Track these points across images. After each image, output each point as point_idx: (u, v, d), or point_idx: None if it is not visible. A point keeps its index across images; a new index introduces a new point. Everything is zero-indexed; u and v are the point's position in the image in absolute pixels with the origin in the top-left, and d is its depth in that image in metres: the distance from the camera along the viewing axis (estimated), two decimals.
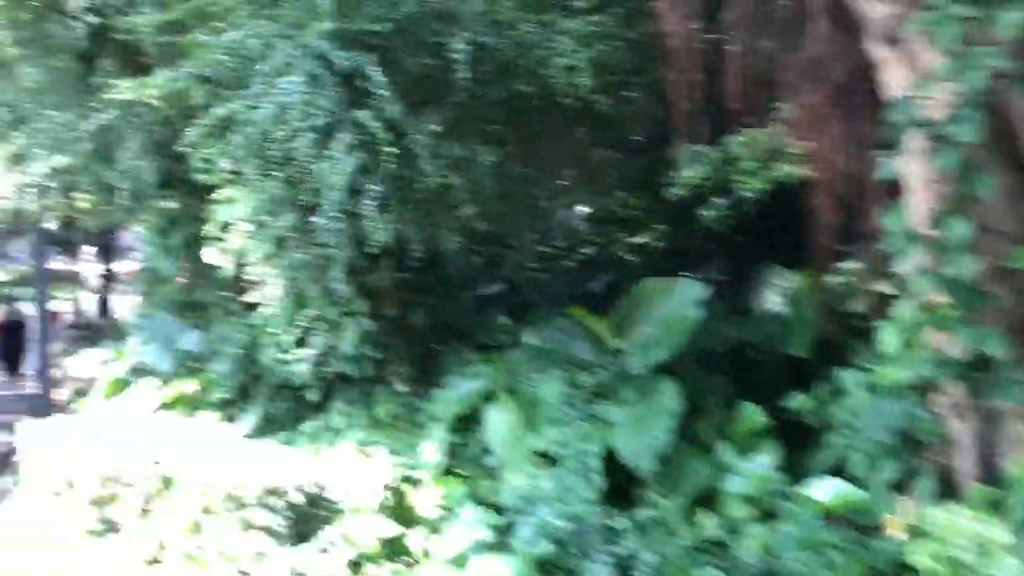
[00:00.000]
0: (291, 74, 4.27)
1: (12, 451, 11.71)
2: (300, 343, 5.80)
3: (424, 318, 5.80)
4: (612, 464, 4.47)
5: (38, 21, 6.09)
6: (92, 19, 6.06)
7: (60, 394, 15.16)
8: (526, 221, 6.06)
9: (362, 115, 4.08)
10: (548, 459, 4.58)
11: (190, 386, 7.08)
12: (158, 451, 5.68)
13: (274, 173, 4.39)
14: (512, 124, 5.09)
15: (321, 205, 4.27)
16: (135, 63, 5.95)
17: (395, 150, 4.07)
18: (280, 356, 6.01)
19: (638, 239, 9.19)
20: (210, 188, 5.33)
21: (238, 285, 6.69)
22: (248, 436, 6.61)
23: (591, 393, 4.67)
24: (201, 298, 7.06)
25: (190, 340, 7.57)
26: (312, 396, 6.32)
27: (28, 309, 17.90)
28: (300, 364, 5.87)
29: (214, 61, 4.61)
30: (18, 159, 6.70)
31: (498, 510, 4.48)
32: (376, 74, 4.08)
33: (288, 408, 6.73)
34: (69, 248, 30.15)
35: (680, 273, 7.55)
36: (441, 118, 4.50)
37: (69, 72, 6.29)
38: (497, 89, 4.76)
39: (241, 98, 4.44)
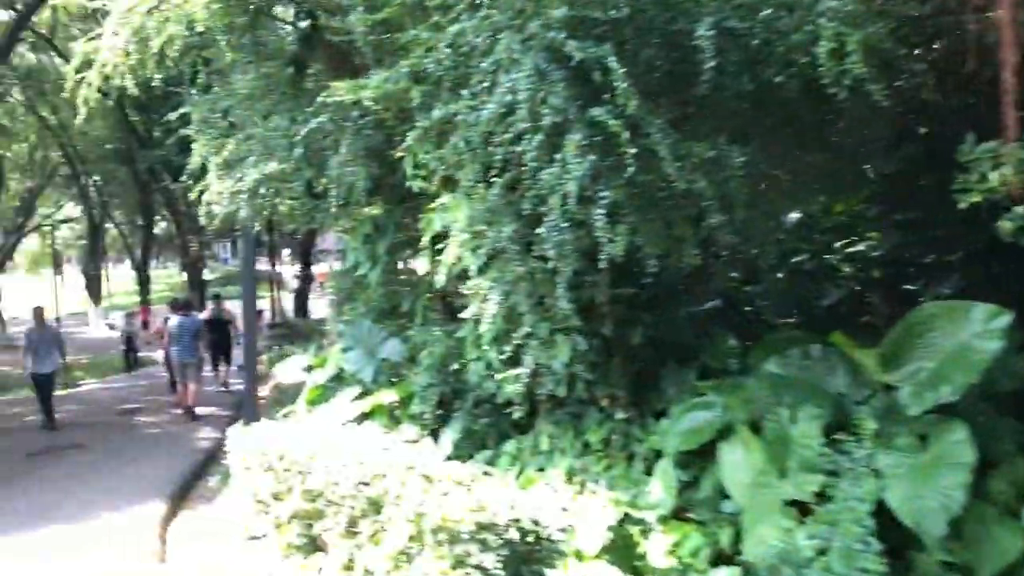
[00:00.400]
0: (517, 69, 3.86)
1: (219, 447, 12.32)
2: (509, 360, 5.40)
3: (642, 336, 5.25)
4: (881, 522, 3.75)
5: (252, 26, 6.09)
6: (304, 22, 6.01)
7: (262, 391, 15.96)
8: (768, 229, 5.40)
9: (598, 113, 3.60)
10: (803, 510, 3.92)
11: (390, 396, 6.90)
12: (363, 468, 5.49)
13: (495, 179, 4.01)
14: (758, 119, 4.46)
15: (546, 214, 3.83)
16: (348, 65, 5.82)
17: (633, 151, 3.56)
18: (486, 372, 5.67)
19: (862, 247, 8.24)
20: (421, 195, 5.09)
21: (443, 295, 6.44)
22: (448, 453, 6.36)
23: (855, 435, 3.95)
24: (404, 306, 6.88)
25: (391, 349, 7.43)
26: (517, 415, 5.95)
27: (234, 308, 19.04)
28: (507, 381, 5.48)
29: (433, 59, 4.29)
30: (231, 165, 6.75)
31: (746, 569, 3.87)
32: (615, 66, 3.58)
33: (490, 425, 6.41)
34: (269, 249, 32.14)
35: (923, 289, 6.60)
36: (681, 114, 3.95)
37: (281, 78, 6.27)
38: (744, 80, 4.15)
39: (461, 98, 4.10)
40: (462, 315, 5.32)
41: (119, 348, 22.40)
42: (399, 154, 4.68)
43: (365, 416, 7.08)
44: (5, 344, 32.47)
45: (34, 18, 25.22)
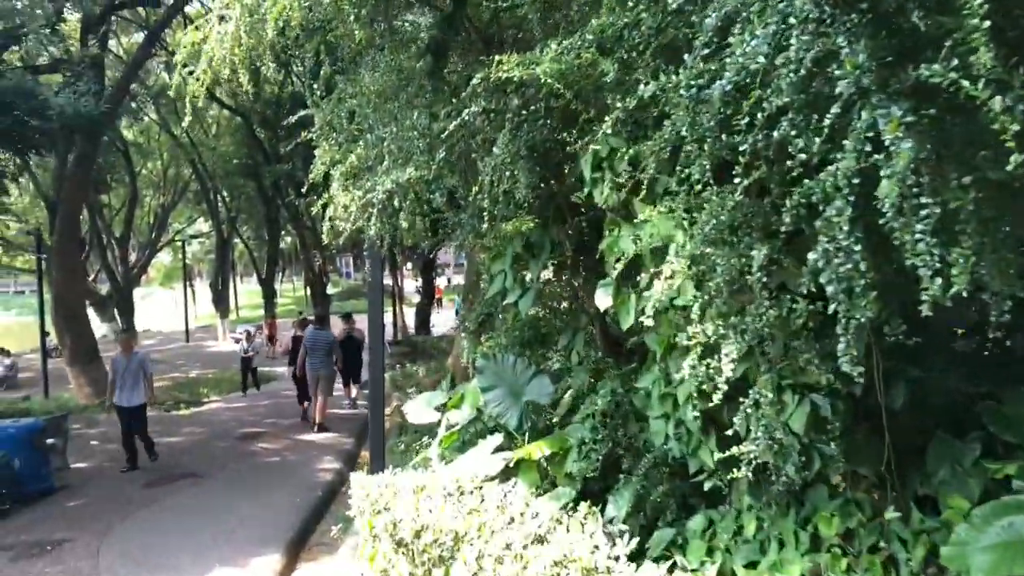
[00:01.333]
0: (773, 16, 2.60)
1: (341, 481, 11.47)
2: (711, 418, 4.10)
3: (904, 395, 3.84)
4: None
5: (387, 9, 5.05)
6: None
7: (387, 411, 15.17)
8: None
9: (933, 72, 2.28)
10: None
11: (541, 449, 5.68)
12: (505, 535, 4.32)
13: (736, 182, 2.75)
14: None
15: (822, 231, 2.54)
16: (498, 52, 4.69)
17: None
18: (676, 432, 4.38)
19: None
20: (588, 209, 3.91)
21: (608, 330, 5.23)
22: (615, 524, 5.09)
23: None
24: (560, 342, 5.68)
25: (541, 390, 6.22)
26: (711, 485, 4.63)
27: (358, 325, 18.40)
28: (706, 444, 4.17)
29: (632, 17, 3.07)
30: (358, 175, 5.72)
31: None
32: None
33: (670, 493, 5.10)
34: (391, 263, 31.85)
35: None
36: None
37: (418, 69, 5.19)
38: None
39: (668, 70, 2.87)
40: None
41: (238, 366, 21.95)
42: (578, 151, 3.51)
43: (510, 471, 5.89)
44: None
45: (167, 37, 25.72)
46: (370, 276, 7.16)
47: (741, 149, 2.70)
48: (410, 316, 33.21)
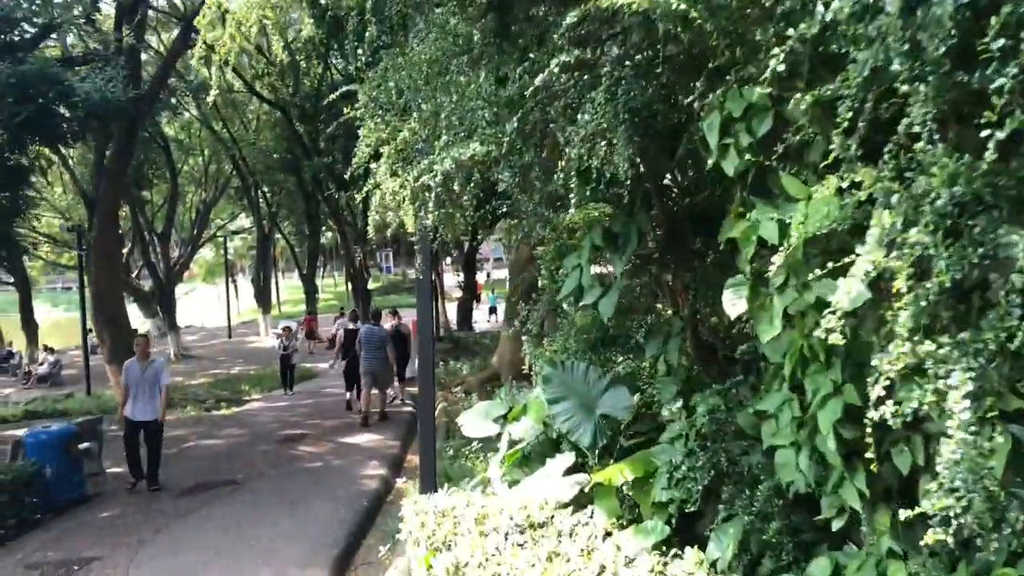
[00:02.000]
0: None
1: (387, 489, 10.78)
2: (855, 449, 3.26)
3: None
4: None
5: None
6: None
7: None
8: None
9: None
10: None
11: (622, 473, 4.88)
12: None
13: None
14: None
15: None
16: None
17: None
18: (808, 464, 3.54)
19: None
20: (692, 192, 3.07)
21: (699, 335, 4.41)
22: (719, 566, 4.28)
23: None
24: (649, 352, 4.85)
25: (617, 402, 5.41)
26: (837, 522, 3.79)
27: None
28: (851, 481, 3.34)
29: None
30: (409, 158, 4.96)
31: None
32: None
33: (786, 532, 4.26)
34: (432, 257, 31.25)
35: None
36: None
37: (481, 28, 4.39)
38: None
39: None
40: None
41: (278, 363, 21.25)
42: (702, 110, 2.70)
43: (584, 499, 5.11)
44: (182, 353, 33.20)
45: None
46: (418, 271, 6.38)
47: (996, 86, 1.87)
48: (450, 312, 32.49)
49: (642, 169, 3.84)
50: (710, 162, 2.91)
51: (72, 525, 8.94)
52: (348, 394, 15.91)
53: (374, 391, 14.56)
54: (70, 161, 32.05)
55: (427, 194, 4.22)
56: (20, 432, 10.97)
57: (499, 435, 6.19)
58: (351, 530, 8.47)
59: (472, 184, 4.14)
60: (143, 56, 23.18)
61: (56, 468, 9.75)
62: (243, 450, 12.64)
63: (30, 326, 31.20)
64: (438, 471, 10.36)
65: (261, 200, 39.07)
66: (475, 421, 6.41)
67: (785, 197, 2.78)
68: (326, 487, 10.15)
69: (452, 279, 41.26)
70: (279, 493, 9.90)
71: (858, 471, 3.28)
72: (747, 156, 2.79)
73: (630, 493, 4.96)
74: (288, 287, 71.38)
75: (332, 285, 68.32)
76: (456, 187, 4.08)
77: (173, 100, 28.68)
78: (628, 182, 3.63)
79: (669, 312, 5.00)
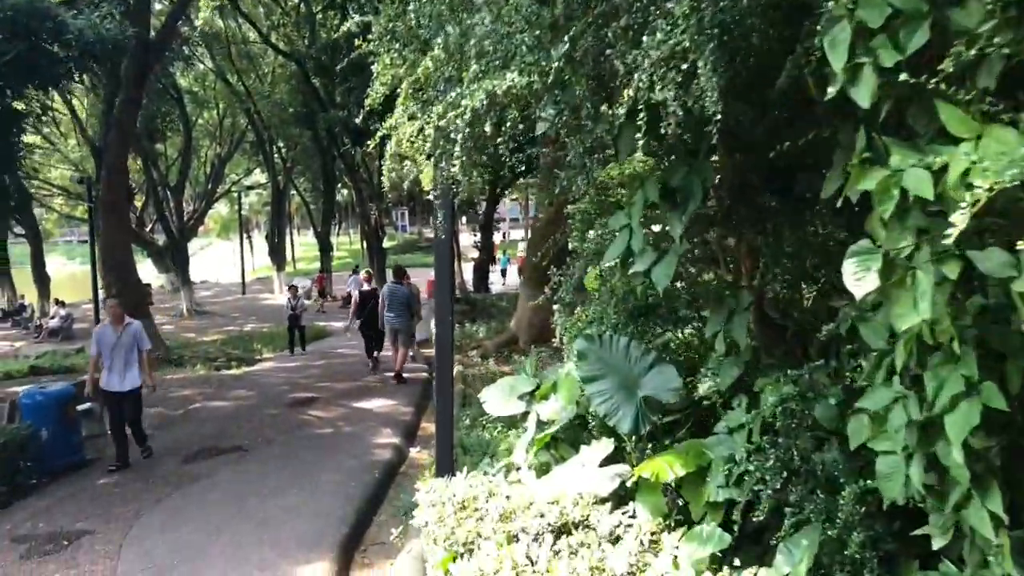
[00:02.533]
0: None
1: (399, 460, 10.22)
2: (988, 465, 2.60)
3: None
4: None
5: None
6: None
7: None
8: None
9: None
10: None
11: (671, 467, 4.22)
12: None
13: None
14: None
15: None
16: None
17: None
18: (924, 475, 2.87)
19: None
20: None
21: (764, 314, 3.73)
22: None
23: None
24: (710, 329, 4.15)
25: (663, 383, 4.75)
26: (940, 540, 3.13)
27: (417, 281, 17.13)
28: (983, 501, 2.67)
29: None
30: (428, 101, 4.27)
31: None
32: None
33: (869, 545, 3.60)
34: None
35: None
36: None
37: None
38: None
39: None
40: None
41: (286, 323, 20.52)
42: (822, 24, 2.01)
43: (626, 494, 4.47)
44: (195, 309, 32.84)
45: None
46: (437, 229, 5.70)
47: None
48: (466, 273, 31.81)
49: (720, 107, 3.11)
50: (831, 91, 2.20)
51: (67, 493, 8.45)
52: (370, 354, 15.76)
53: (401, 350, 14.50)
54: (81, 113, 31.44)
55: (451, 137, 3.53)
56: (22, 389, 10.49)
57: (525, 414, 5.54)
58: (361, 506, 7.91)
59: (508, 124, 3.42)
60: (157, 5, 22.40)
61: (53, 431, 9.25)
62: (251, 414, 12.13)
63: (42, 279, 30.86)
64: (454, 441, 9.81)
65: (276, 155, 38.37)
66: (498, 397, 5.76)
67: (933, 138, 2.09)
68: (336, 456, 9.60)
69: (467, 239, 40.55)
70: (287, 462, 9.36)
71: (991, 490, 2.60)
72: (885, 80, 2.08)
73: (677, 488, 4.33)
74: (303, 244, 71.01)
75: (347, 243, 67.83)
76: (488, 128, 3.37)
77: (186, 50, 27.92)
78: (704, 124, 2.94)
79: (724, 281, 4.30)
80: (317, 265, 41.73)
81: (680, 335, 6.03)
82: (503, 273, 38.16)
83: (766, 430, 3.81)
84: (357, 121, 21.52)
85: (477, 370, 14.70)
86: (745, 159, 3.72)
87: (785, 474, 3.64)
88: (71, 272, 58.32)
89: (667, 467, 4.17)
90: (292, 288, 19.59)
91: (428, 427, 11.56)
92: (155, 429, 11.39)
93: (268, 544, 6.77)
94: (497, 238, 49.33)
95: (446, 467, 5.70)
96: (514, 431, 8.31)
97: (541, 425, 5.23)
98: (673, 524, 4.19)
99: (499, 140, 3.33)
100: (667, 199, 3.72)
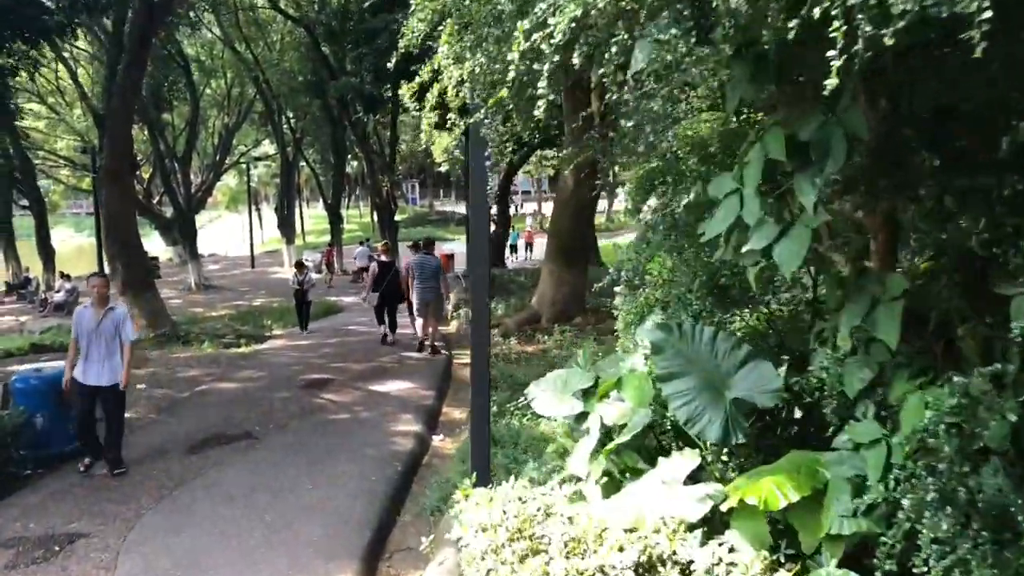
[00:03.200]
0: None
1: (422, 450, 9.46)
2: None
3: None
4: None
5: None
6: None
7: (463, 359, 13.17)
8: None
9: None
10: None
11: (778, 491, 3.42)
12: None
13: None
14: None
15: None
16: None
17: None
18: None
19: None
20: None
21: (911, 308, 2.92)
22: None
23: None
24: (845, 313, 3.32)
25: (760, 382, 3.96)
26: None
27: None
28: None
29: None
30: (484, 32, 3.46)
31: None
32: None
33: None
34: (466, 188, 29.42)
35: None
36: None
37: None
38: None
39: None
40: None
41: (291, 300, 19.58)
42: None
43: (720, 523, 3.69)
44: (203, 283, 32.20)
45: None
46: (472, 186, 4.91)
47: None
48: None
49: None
50: None
51: (63, 486, 7.73)
52: (382, 327, 15.47)
53: (431, 322, 14.34)
54: (86, 83, 30.57)
55: (541, 67, 2.69)
56: (20, 369, 9.77)
57: (581, 415, 4.74)
58: (383, 503, 7.19)
59: (615, 49, 2.57)
60: None
61: (48, 417, 8.51)
62: (262, 397, 11.39)
63: (47, 251, 30.18)
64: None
65: (285, 126, 37.46)
66: (549, 395, 4.95)
67: None
68: (354, 445, 8.87)
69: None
70: (300, 451, 8.64)
71: None
72: None
73: (790, 518, 3.54)
74: (312, 216, 70.23)
75: (357, 216, 66.99)
76: (576, 59, 2.55)
77: (192, 15, 27.02)
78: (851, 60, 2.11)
79: (858, 262, 3.46)
80: (327, 238, 40.99)
81: (750, 319, 5.21)
82: (512, 248, 37.23)
83: (921, 449, 3.01)
84: (369, 87, 20.64)
85: (499, 349, 13.95)
86: (894, 107, 2.88)
87: (948, 510, 2.84)
88: (78, 244, 57.78)
89: (776, 491, 3.38)
90: (299, 264, 18.72)
91: (449, 412, 10.84)
92: (161, 413, 10.71)
93: (282, 552, 6.04)
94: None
95: (485, 477, 4.92)
96: (552, 422, 7.57)
97: (606, 431, 4.43)
98: (783, 558, 3.41)
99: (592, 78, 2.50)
100: (796, 156, 2.89)
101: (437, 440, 9.59)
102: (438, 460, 8.76)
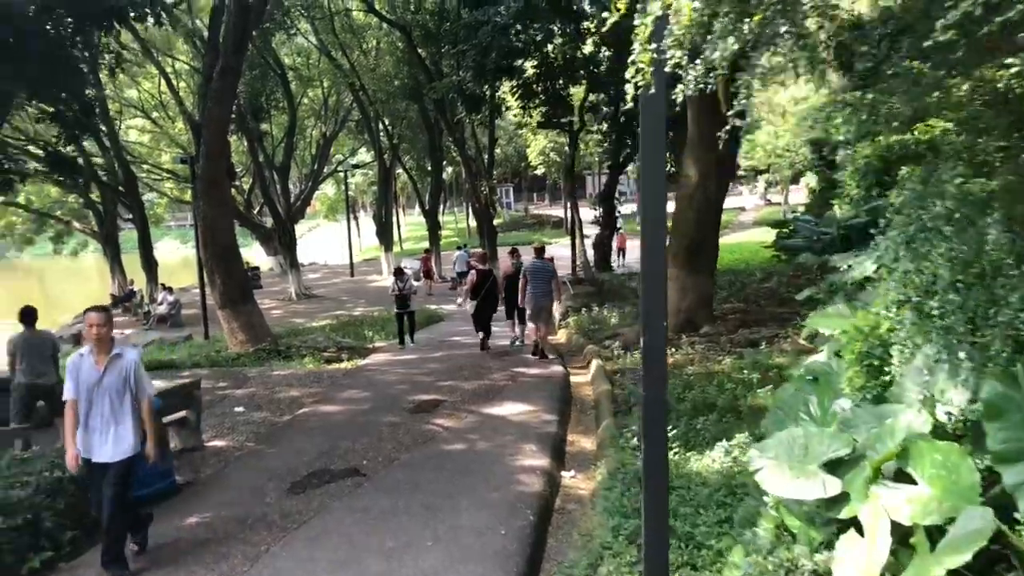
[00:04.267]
0: None
1: (552, 491, 8.11)
2: None
3: None
4: None
5: None
6: None
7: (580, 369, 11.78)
8: None
9: None
10: None
11: None
12: None
13: None
14: None
15: None
16: None
17: None
18: None
19: None
20: None
21: None
22: None
23: None
24: None
25: None
26: None
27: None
28: None
29: None
30: None
31: None
32: None
33: None
34: (570, 190, 28.05)
35: None
36: None
37: None
38: None
39: None
40: None
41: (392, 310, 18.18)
42: None
43: None
44: (304, 292, 31.87)
45: None
46: (644, 150, 3.54)
47: None
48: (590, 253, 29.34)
49: None
50: None
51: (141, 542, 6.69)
52: (480, 335, 15.07)
53: (543, 327, 14.10)
54: (186, 97, 30.66)
55: None
56: None
57: (836, 499, 3.25)
58: (520, 568, 5.85)
59: None
60: None
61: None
62: (368, 422, 10.27)
63: (150, 264, 30.34)
64: (617, 463, 7.62)
65: (382, 132, 36.91)
66: (781, 464, 3.47)
67: None
68: (474, 485, 7.59)
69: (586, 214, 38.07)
70: (415, 493, 7.41)
71: None
72: None
73: None
74: (408, 223, 70.22)
75: (452, 222, 66.48)
76: None
77: (287, 21, 26.61)
78: None
79: None
80: (424, 245, 40.30)
81: None
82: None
83: None
84: (471, 84, 19.49)
85: (621, 363, 12.49)
86: None
87: None
88: (184, 256, 59.08)
89: None
90: (398, 271, 17.22)
91: (576, 440, 9.46)
92: (260, 441, 9.71)
93: None
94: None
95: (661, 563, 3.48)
96: (711, 459, 6.05)
97: (901, 532, 2.92)
98: None
99: None
100: None
101: (568, 477, 8.23)
102: (573, 505, 7.40)
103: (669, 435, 7.92)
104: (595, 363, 13.04)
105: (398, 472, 8.16)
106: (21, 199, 34.26)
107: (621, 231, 43.67)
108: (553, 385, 11.99)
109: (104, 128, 25.10)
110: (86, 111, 17.34)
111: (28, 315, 9.79)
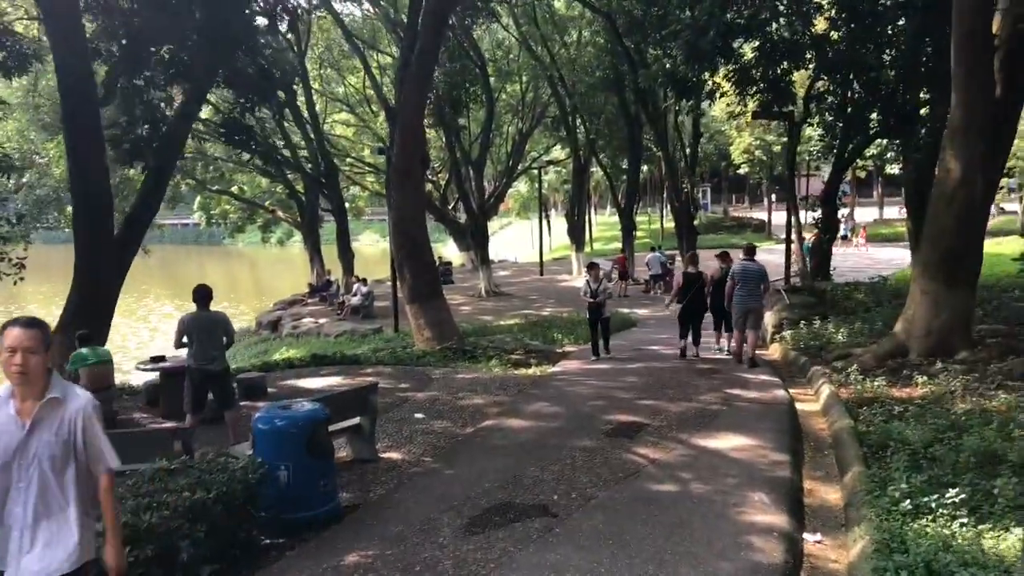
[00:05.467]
0: None
1: (795, 554, 6.22)
2: None
3: None
4: None
5: None
6: None
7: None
8: None
9: None
10: None
11: None
12: None
13: None
14: None
15: None
16: None
17: None
18: None
19: None
20: None
21: None
22: None
23: None
24: None
25: None
26: None
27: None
28: None
29: None
30: None
31: None
32: None
33: None
34: (789, 190, 25.40)
35: None
36: None
37: None
38: None
39: None
40: None
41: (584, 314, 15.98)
42: None
43: None
44: (493, 290, 31.26)
45: None
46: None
47: None
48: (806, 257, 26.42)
49: None
50: None
51: (313, 570, 5.60)
52: (683, 341, 14.27)
53: (751, 333, 13.39)
54: (388, 91, 30.84)
55: None
56: (262, 407, 7.63)
57: None
58: None
59: None
60: None
61: (295, 470, 6.52)
62: (559, 445, 8.82)
63: (346, 256, 30.86)
64: (882, 532, 5.69)
65: (578, 128, 35.67)
66: None
67: None
68: (694, 547, 5.93)
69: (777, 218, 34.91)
70: (618, 551, 5.87)
71: None
72: None
73: None
74: (600, 223, 68.87)
75: (645, 222, 64.33)
76: None
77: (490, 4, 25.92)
78: None
79: None
80: (616, 245, 38.71)
81: None
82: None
83: None
84: (683, 68, 17.64)
85: (859, 391, 10.27)
86: None
87: None
88: (383, 249, 60.89)
89: None
90: (592, 267, 14.71)
91: (816, 489, 7.53)
92: (437, 457, 8.53)
93: None
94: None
95: None
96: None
97: None
98: None
99: None
100: None
101: (811, 541, 6.36)
102: None
103: (949, 500, 5.95)
104: (827, 389, 10.92)
105: (596, 516, 6.64)
106: (235, 189, 36.03)
107: (847, 235, 39.93)
108: (778, 414, 10.04)
109: (306, 115, 25.36)
110: (264, 75, 17.08)
111: (202, 294, 9.15)
